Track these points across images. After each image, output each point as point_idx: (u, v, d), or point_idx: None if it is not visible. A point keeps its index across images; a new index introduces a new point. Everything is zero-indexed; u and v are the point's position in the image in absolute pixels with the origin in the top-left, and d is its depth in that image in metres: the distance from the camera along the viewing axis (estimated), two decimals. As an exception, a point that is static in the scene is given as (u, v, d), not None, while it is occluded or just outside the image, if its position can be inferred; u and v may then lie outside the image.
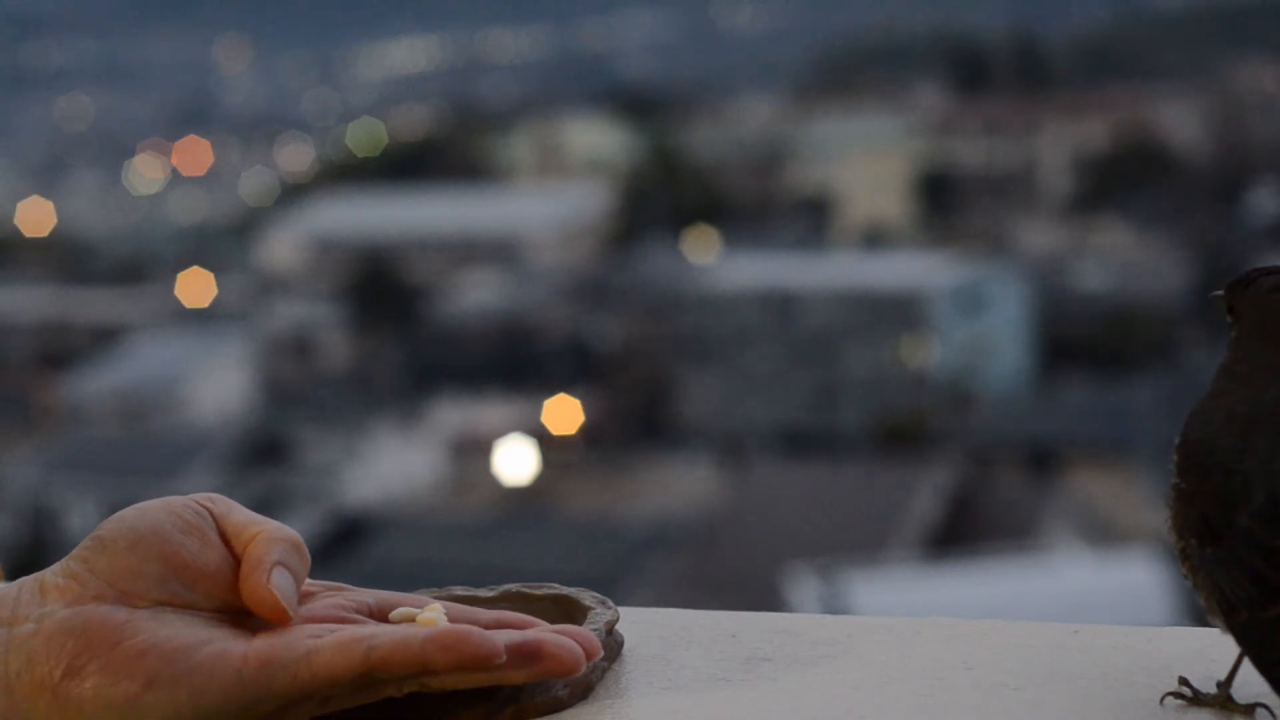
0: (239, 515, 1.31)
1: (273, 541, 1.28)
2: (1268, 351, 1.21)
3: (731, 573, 28.87)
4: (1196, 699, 1.25)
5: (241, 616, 1.29)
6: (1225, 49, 71.69)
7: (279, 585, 1.27)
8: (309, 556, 1.32)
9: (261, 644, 1.25)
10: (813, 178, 66.03)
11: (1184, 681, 1.25)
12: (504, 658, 1.26)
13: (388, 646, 1.24)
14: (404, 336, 51.29)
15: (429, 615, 1.33)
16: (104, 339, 51.56)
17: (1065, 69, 74.14)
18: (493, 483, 41.81)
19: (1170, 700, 1.27)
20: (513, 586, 1.46)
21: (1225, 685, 1.25)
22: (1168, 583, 26.37)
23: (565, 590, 1.46)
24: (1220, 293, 1.27)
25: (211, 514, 1.30)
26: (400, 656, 1.24)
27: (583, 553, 30.42)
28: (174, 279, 61.06)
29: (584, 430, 45.65)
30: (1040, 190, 64.51)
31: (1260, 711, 1.24)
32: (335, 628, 1.28)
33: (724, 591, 26.36)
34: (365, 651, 1.24)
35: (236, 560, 1.28)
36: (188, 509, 1.30)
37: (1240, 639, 1.19)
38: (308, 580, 1.34)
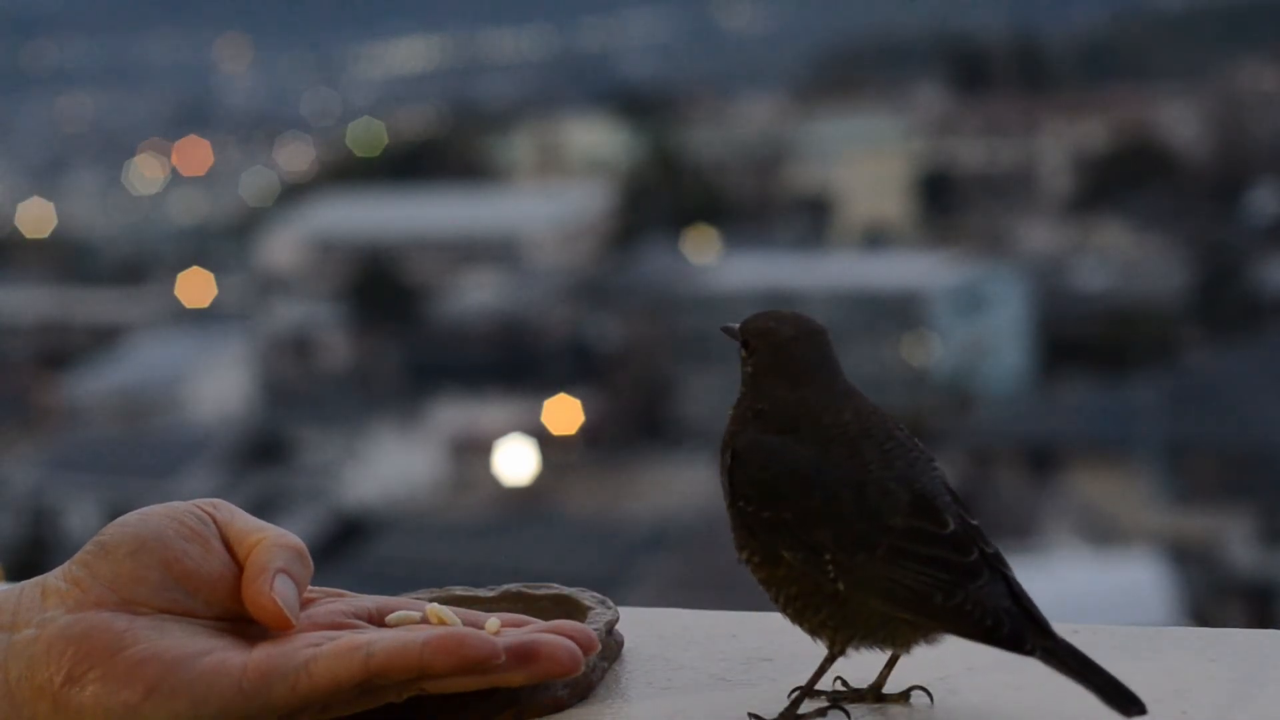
0: (242, 521, 1.31)
1: (275, 548, 1.28)
2: (783, 389, 1.38)
3: (731, 573, 28.83)
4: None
5: (242, 624, 1.29)
6: (1225, 49, 71.66)
7: (281, 593, 1.27)
8: (312, 563, 1.31)
9: (261, 654, 1.25)
10: (813, 178, 66.00)
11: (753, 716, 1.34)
12: (503, 659, 1.26)
13: (387, 653, 1.24)
14: (404, 336, 51.27)
15: (437, 610, 1.33)
16: (104, 339, 51.53)
17: (1065, 69, 74.10)
18: (493, 483, 41.80)
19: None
20: (513, 586, 1.47)
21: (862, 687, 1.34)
22: (1168, 583, 26.37)
23: (565, 590, 1.47)
24: (733, 326, 1.46)
25: (214, 520, 1.30)
26: (399, 662, 1.24)
27: (583, 553, 30.42)
28: (174, 279, 61.03)
29: (584, 430, 45.64)
30: (1040, 190, 64.48)
31: (916, 693, 1.34)
32: (334, 635, 1.27)
33: (724, 591, 26.35)
34: (364, 659, 1.24)
35: (239, 567, 1.28)
36: (191, 515, 1.30)
37: (945, 619, 1.30)
38: (308, 587, 1.34)
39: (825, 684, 1.36)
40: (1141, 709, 1.25)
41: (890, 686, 1.36)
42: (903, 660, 1.36)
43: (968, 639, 1.30)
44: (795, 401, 1.37)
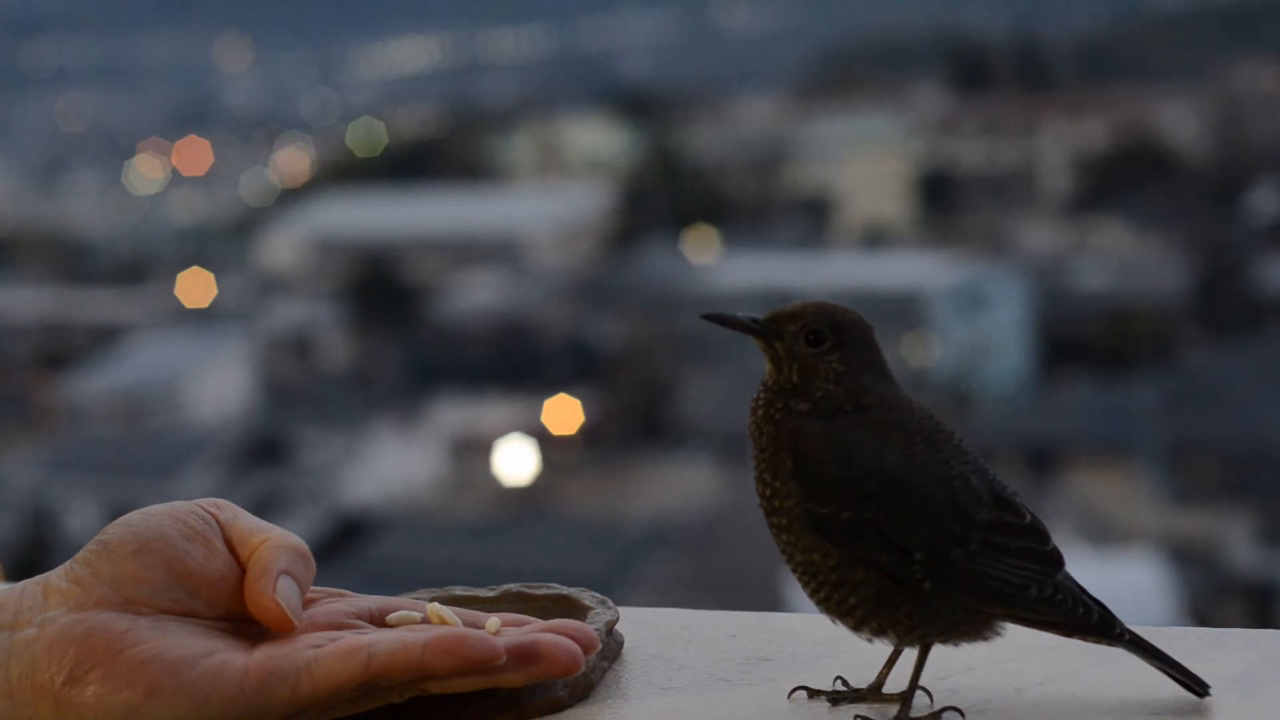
0: (245, 522, 1.31)
1: (278, 549, 1.28)
2: (869, 380, 1.34)
3: (731, 573, 28.86)
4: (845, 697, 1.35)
5: (244, 624, 1.29)
6: (1225, 49, 71.65)
7: (284, 594, 1.27)
8: (314, 565, 1.31)
9: (262, 655, 1.25)
10: (813, 178, 65.98)
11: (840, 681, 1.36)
12: (504, 659, 1.26)
13: (388, 654, 1.24)
14: (404, 336, 51.26)
15: (438, 610, 1.33)
16: (104, 339, 51.51)
17: (1065, 69, 74.09)
18: (493, 483, 41.79)
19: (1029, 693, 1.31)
20: (513, 586, 1.47)
21: (916, 673, 1.33)
22: (1168, 583, 26.36)
23: (565, 590, 1.47)
24: (742, 316, 1.38)
25: (217, 520, 1.30)
26: (401, 663, 1.24)
27: (583, 553, 30.41)
28: (174, 279, 61.01)
29: (584, 430, 45.62)
30: (1040, 190, 64.47)
31: (950, 714, 1.33)
32: (335, 636, 1.27)
33: (724, 591, 26.35)
34: (365, 660, 1.24)
35: (241, 567, 1.28)
36: (194, 515, 1.30)
37: (1040, 611, 1.30)
38: (310, 588, 1.34)
39: (825, 683, 1.36)
40: (1208, 689, 1.30)
41: (890, 687, 1.36)
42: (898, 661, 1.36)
43: (1057, 630, 1.30)
44: (889, 396, 1.34)
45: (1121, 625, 1.31)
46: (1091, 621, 1.29)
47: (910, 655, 1.34)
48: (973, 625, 1.31)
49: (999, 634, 1.32)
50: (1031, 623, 1.31)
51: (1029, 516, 1.31)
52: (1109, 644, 1.31)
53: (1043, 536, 1.31)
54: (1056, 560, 1.31)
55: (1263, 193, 57.41)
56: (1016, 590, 1.29)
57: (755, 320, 1.39)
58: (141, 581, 1.27)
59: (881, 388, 1.35)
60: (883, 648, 1.35)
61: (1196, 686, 1.29)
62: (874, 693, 1.35)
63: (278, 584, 1.28)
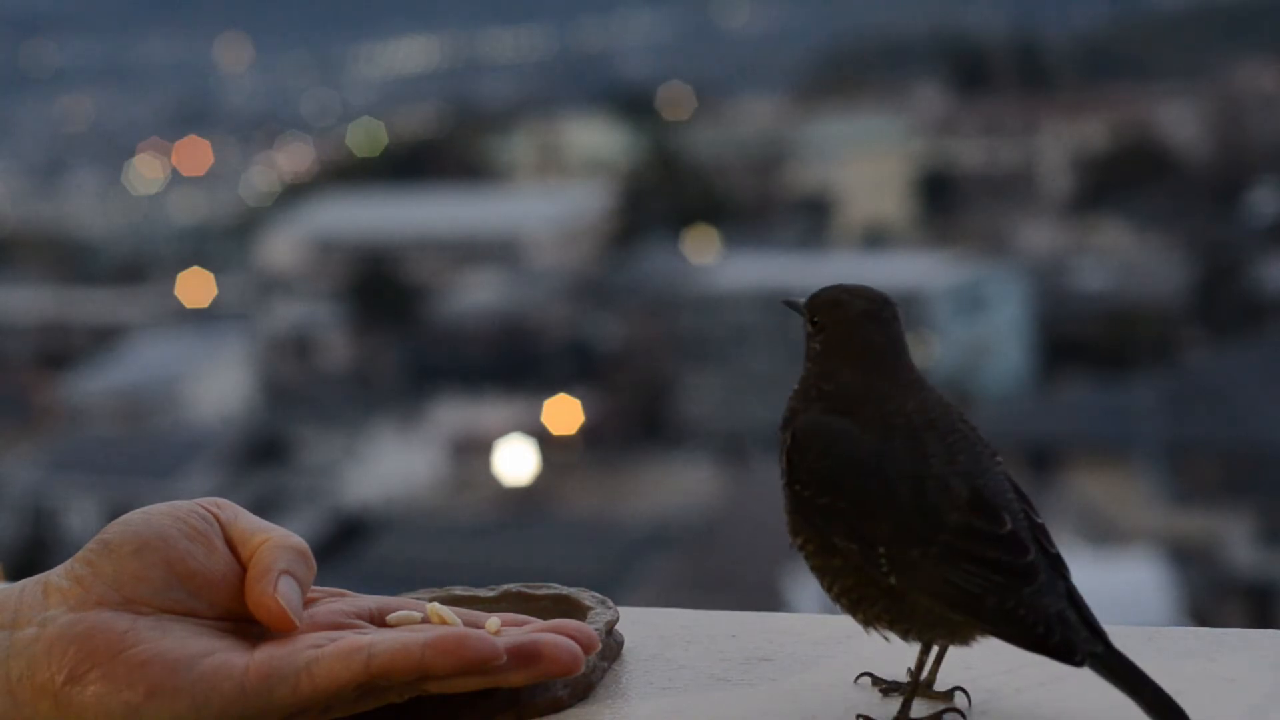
0: (245, 522, 1.31)
1: (279, 549, 1.27)
2: (850, 369, 1.35)
3: (731, 573, 28.86)
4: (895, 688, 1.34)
5: (244, 624, 1.29)
6: (1225, 49, 71.66)
7: (285, 594, 1.27)
8: (315, 564, 1.31)
9: (263, 655, 1.25)
10: (813, 178, 65.98)
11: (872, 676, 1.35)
12: (504, 659, 1.26)
13: (388, 654, 1.24)
14: (404, 336, 51.26)
15: (438, 610, 1.33)
16: (104, 339, 51.52)
17: (1065, 69, 74.10)
18: (493, 483, 41.80)
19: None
20: (513, 586, 1.47)
21: (917, 673, 1.32)
22: (1168, 583, 26.38)
23: (565, 590, 1.47)
24: (800, 301, 1.41)
25: (218, 520, 1.30)
26: (401, 663, 1.24)
27: (583, 553, 30.41)
28: (174, 279, 61.02)
29: (584, 430, 45.63)
30: (1040, 190, 64.48)
31: (958, 695, 1.32)
32: (336, 636, 1.27)
33: (724, 591, 26.35)
34: (366, 660, 1.24)
35: (242, 567, 1.28)
36: (194, 515, 1.30)
37: (995, 623, 1.26)
38: (310, 587, 1.34)
39: (830, 683, 1.36)
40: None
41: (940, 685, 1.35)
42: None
43: (1015, 645, 1.27)
44: (861, 385, 1.33)
45: (1089, 647, 1.25)
46: (1051, 642, 1.25)
47: (952, 652, 1.33)
48: (948, 628, 1.29)
49: (978, 640, 1.30)
50: (994, 633, 1.28)
51: (1010, 526, 1.28)
52: (1070, 665, 1.27)
53: (1019, 548, 1.27)
54: (1028, 572, 1.26)
55: (1263, 193, 57.41)
56: (973, 599, 1.26)
57: (798, 304, 1.42)
58: (142, 581, 1.27)
59: (851, 376, 1.34)
60: (882, 647, 1.35)
61: (1172, 718, 1.23)
62: (925, 688, 1.34)
63: (279, 584, 1.28)
